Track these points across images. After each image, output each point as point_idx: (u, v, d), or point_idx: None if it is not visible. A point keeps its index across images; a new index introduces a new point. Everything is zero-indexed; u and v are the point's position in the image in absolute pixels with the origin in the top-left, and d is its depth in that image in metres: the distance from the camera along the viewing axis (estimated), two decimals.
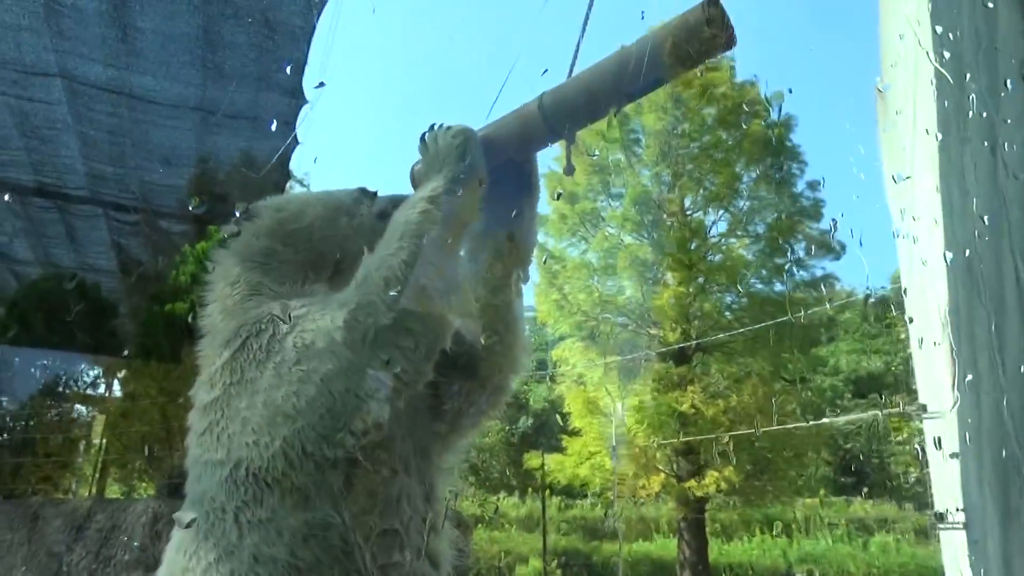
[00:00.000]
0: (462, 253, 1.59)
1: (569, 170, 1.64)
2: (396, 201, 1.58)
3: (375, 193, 1.69)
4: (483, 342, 1.58)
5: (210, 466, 1.35)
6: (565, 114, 1.45)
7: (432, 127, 1.51)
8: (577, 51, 1.58)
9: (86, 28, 4.89)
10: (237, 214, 1.64)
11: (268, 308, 1.44)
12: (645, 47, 1.33)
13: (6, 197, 6.84)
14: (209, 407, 1.39)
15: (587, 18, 1.71)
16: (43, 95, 5.63)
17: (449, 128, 1.49)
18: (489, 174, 1.53)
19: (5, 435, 9.43)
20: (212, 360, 1.45)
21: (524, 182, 1.62)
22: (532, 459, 18.30)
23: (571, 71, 1.51)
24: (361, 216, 1.63)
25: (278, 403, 1.29)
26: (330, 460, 1.27)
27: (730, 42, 1.29)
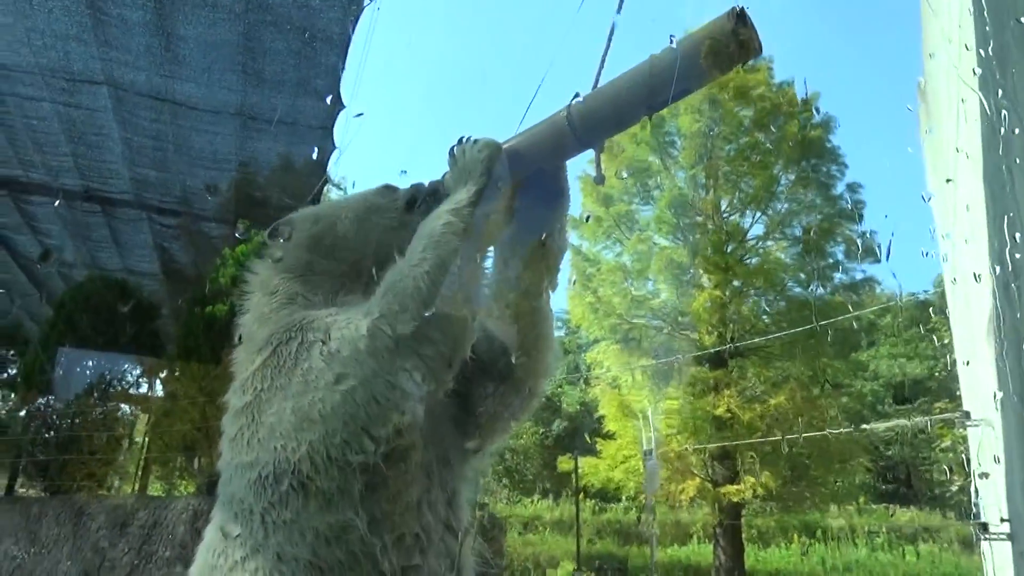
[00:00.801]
0: (490, 261, 1.63)
1: (599, 179, 1.65)
2: (419, 189, 1.65)
3: (397, 188, 1.72)
4: (515, 346, 1.60)
5: (240, 469, 1.39)
6: (593, 124, 1.46)
7: (460, 140, 1.54)
8: (603, 62, 1.58)
9: (131, 37, 5.01)
10: (271, 229, 1.69)
11: (298, 316, 1.48)
12: (672, 57, 1.34)
13: (56, 203, 7.03)
14: (240, 412, 1.44)
15: (612, 29, 1.70)
16: (90, 102, 5.78)
17: (476, 141, 1.51)
18: (519, 181, 1.55)
19: (52, 432, 9.66)
20: (245, 367, 1.49)
21: (554, 189, 1.64)
22: (565, 462, 18.26)
23: (596, 82, 1.52)
24: (389, 210, 1.67)
25: (305, 409, 1.32)
26: (353, 465, 1.30)
27: (756, 49, 1.30)
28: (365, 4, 4.67)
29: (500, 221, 1.51)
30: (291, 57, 5.25)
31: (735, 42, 1.28)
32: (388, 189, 1.72)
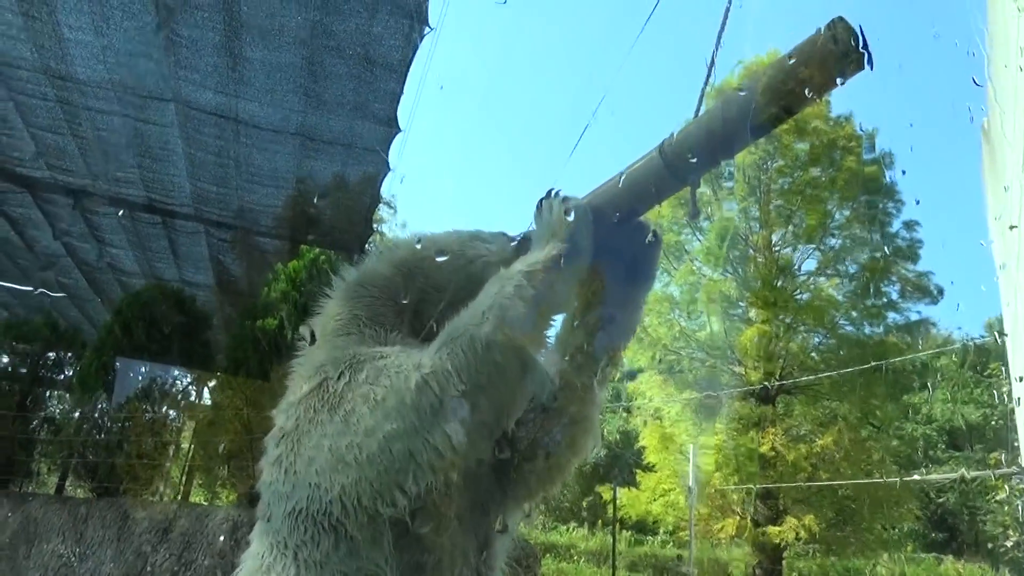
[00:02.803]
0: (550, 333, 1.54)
1: (694, 214, 1.59)
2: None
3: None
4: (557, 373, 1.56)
5: (277, 497, 1.40)
6: (688, 158, 1.39)
7: (549, 193, 1.48)
8: (703, 96, 1.53)
9: (200, 57, 5.18)
10: (373, 245, 1.68)
11: (351, 351, 1.47)
12: (768, 80, 1.28)
13: (120, 213, 7.27)
14: (282, 438, 1.44)
15: (713, 60, 1.67)
16: (157, 118, 5.98)
17: (565, 199, 1.45)
18: (607, 252, 1.48)
19: (103, 435, 9.91)
20: (294, 389, 1.49)
21: (643, 270, 1.58)
22: (604, 491, 18.06)
23: (697, 111, 1.47)
24: (496, 243, 1.63)
25: (341, 451, 1.31)
26: (383, 516, 1.29)
27: (861, 61, 1.21)
28: (425, 32, 4.76)
29: (566, 294, 1.44)
30: (351, 81, 5.37)
31: (836, 55, 1.20)
32: (502, 235, 1.68)
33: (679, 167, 1.41)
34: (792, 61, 1.26)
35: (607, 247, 1.49)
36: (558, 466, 1.59)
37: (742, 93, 1.32)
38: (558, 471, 1.60)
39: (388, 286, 1.63)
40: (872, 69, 1.22)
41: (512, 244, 1.62)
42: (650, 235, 1.55)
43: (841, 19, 1.21)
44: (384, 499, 1.27)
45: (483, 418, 1.30)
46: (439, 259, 1.62)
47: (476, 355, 1.28)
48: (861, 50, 1.21)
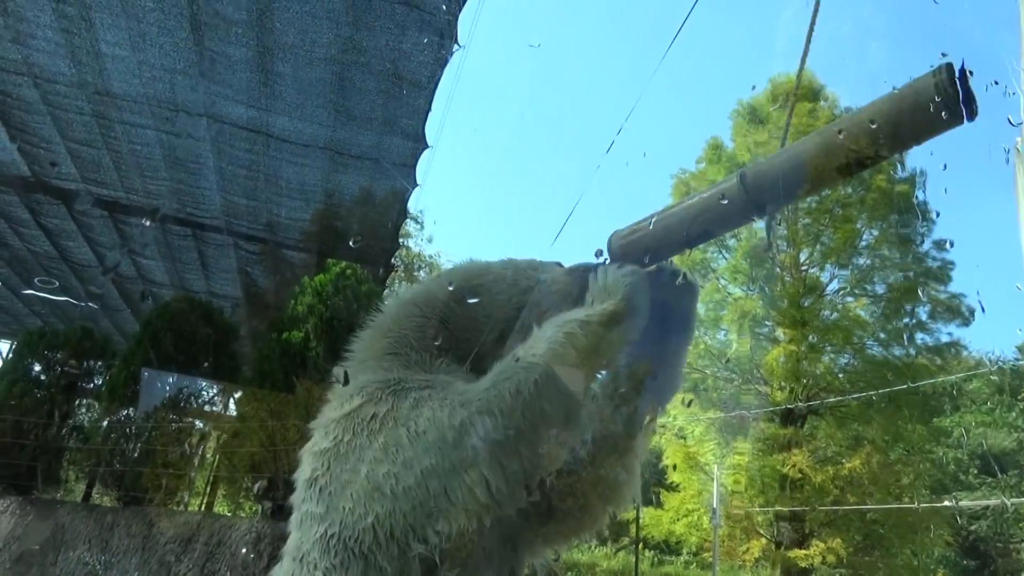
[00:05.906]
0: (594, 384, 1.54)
1: (765, 247, 1.57)
2: (583, 269, 1.58)
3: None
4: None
5: (309, 517, 1.38)
6: (770, 189, 1.35)
7: (598, 253, 1.53)
8: (787, 127, 1.50)
9: (233, 73, 5.28)
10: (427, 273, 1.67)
11: (395, 375, 1.46)
12: (868, 118, 1.22)
13: (150, 224, 7.39)
14: (318, 455, 1.42)
15: (797, 84, 1.62)
16: (190, 132, 6.09)
17: (621, 266, 1.46)
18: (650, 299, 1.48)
19: (129, 444, 9.98)
20: (335, 406, 1.48)
21: (680, 320, 1.58)
22: (627, 511, 17.92)
23: (783, 142, 1.42)
24: (551, 272, 1.63)
25: (378, 480, 1.29)
26: (414, 551, 1.26)
27: (966, 115, 1.14)
28: (455, 50, 4.81)
29: (614, 349, 1.42)
30: (380, 97, 5.44)
31: (939, 105, 1.13)
32: (557, 264, 1.68)
33: (759, 197, 1.37)
34: (894, 106, 1.19)
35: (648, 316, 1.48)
36: (593, 516, 1.60)
37: (840, 135, 1.26)
38: (593, 521, 1.61)
39: (441, 309, 1.63)
40: (972, 120, 1.14)
41: (567, 274, 1.61)
42: (682, 281, 1.55)
43: (949, 66, 1.14)
44: (416, 534, 1.26)
45: (522, 465, 1.28)
46: (494, 288, 1.63)
47: (522, 401, 1.27)
48: (962, 103, 1.13)
